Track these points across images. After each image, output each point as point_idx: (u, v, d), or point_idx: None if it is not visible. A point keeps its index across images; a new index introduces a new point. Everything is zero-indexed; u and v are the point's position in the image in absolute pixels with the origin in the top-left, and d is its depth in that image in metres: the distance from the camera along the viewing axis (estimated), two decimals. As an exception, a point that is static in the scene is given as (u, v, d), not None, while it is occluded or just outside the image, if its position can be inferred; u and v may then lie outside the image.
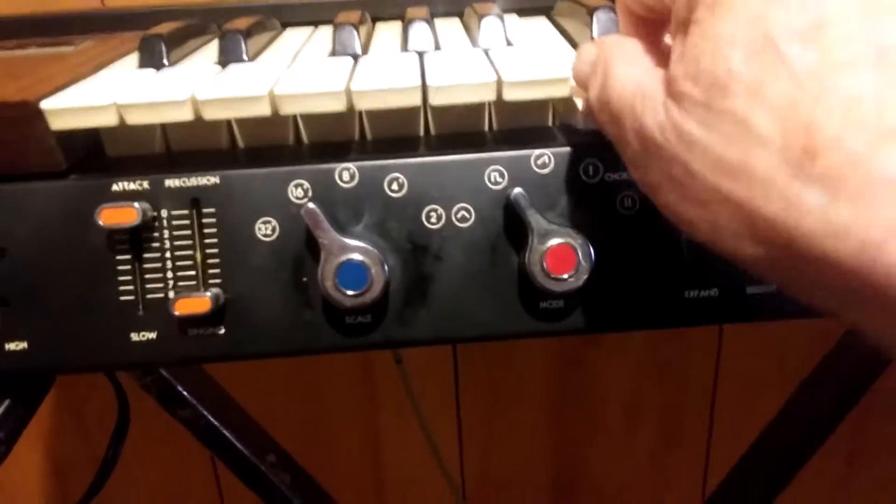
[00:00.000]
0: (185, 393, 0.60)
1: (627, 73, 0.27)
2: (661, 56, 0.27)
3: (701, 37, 0.23)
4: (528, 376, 0.84)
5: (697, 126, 0.22)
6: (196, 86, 0.32)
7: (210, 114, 0.31)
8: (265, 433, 0.66)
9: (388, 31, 0.45)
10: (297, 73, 0.34)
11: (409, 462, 0.87)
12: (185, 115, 0.31)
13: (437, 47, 0.39)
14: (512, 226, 0.33)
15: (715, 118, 0.22)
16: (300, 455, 0.68)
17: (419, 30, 0.39)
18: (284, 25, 0.50)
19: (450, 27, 0.46)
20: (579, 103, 0.32)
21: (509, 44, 0.39)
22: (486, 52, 0.36)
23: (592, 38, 0.39)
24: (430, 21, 0.43)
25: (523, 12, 0.51)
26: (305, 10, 0.50)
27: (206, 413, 0.60)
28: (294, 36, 0.46)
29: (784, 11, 0.21)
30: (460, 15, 0.50)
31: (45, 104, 0.31)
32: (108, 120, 0.31)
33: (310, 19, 0.50)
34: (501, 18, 0.39)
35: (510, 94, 0.32)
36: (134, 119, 0.31)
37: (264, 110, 0.31)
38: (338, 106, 0.31)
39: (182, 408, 0.60)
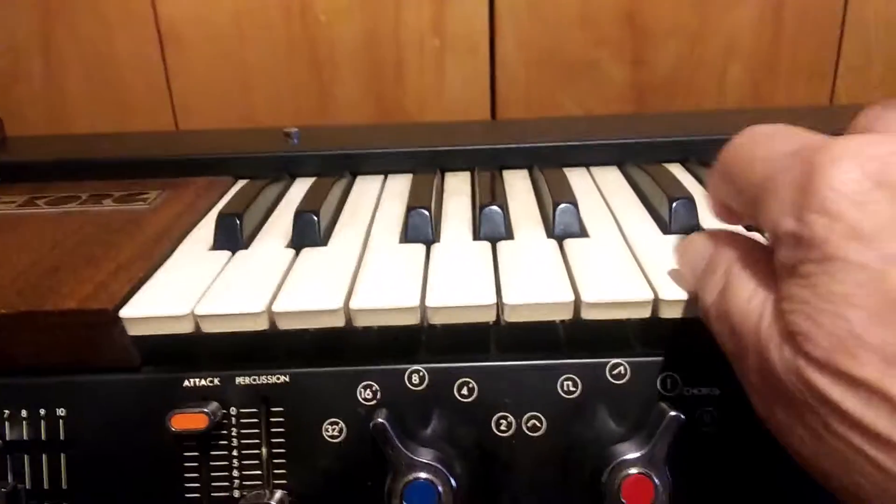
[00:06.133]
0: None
1: (751, 287, 0.25)
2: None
3: (814, 293, 0.21)
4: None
5: (831, 387, 0.21)
6: (271, 292, 0.32)
7: (285, 324, 0.31)
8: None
9: (457, 199, 0.45)
10: (371, 275, 0.34)
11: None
12: (261, 325, 0.31)
13: (510, 233, 0.38)
14: (586, 437, 0.32)
15: (848, 384, 0.21)
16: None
17: (491, 217, 0.38)
18: (353, 174, 0.50)
19: (520, 191, 0.45)
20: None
21: (584, 234, 0.38)
22: (563, 254, 0.35)
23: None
24: (503, 193, 0.42)
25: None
26: (376, 161, 0.51)
27: None
28: (365, 197, 0.46)
29: None
30: (529, 168, 0.50)
31: (124, 313, 0.31)
32: (185, 328, 0.31)
33: (380, 169, 0.51)
34: (575, 206, 0.39)
35: (589, 314, 0.31)
36: (210, 328, 0.31)
37: (338, 322, 0.31)
38: (412, 320, 0.31)
39: None
